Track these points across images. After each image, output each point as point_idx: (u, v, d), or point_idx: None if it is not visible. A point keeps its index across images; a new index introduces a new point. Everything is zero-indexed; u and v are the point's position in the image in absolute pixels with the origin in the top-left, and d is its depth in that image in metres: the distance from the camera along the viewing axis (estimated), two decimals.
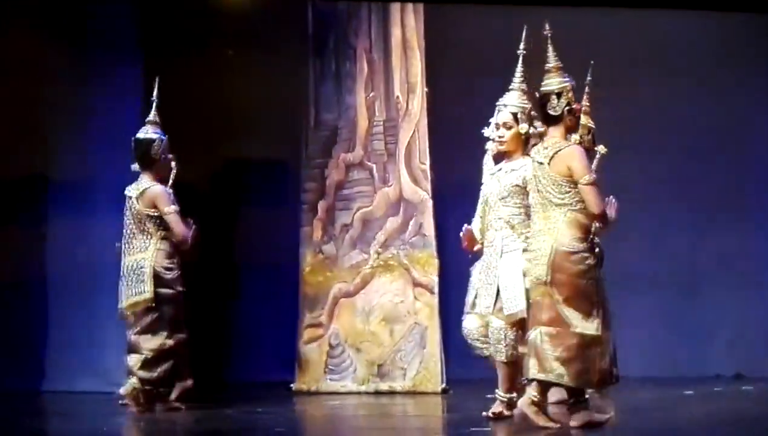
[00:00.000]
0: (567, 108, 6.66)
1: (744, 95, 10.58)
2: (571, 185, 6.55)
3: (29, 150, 9.98)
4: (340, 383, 9.66)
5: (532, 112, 7.09)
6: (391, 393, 9.46)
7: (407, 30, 9.77)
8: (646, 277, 10.33)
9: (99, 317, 9.29)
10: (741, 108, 10.58)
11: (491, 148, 7.30)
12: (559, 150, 6.59)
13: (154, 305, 8.10)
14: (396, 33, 9.80)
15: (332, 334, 9.75)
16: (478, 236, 7.25)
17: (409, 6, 9.77)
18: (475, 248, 7.28)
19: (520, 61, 7.21)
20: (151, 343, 8.11)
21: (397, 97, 9.78)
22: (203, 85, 9.68)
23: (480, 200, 7.31)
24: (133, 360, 8.10)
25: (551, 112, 6.68)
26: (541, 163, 6.63)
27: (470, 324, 7.16)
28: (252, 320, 10.39)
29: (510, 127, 7.10)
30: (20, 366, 9.78)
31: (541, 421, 6.56)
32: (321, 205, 9.90)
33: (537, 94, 6.80)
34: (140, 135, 8.33)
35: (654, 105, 10.45)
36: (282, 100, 10.16)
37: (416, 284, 9.55)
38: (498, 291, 6.98)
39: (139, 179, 8.29)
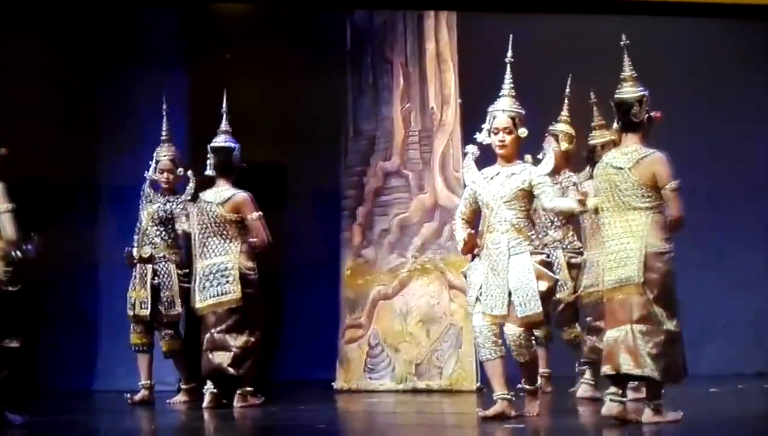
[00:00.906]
0: (647, 116, 6.89)
1: (743, 101, 10.61)
2: (652, 190, 6.79)
3: (80, 156, 10.27)
4: (379, 382, 9.79)
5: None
6: (428, 391, 9.54)
7: (441, 44, 9.89)
8: None
9: None
10: (740, 113, 10.64)
11: (473, 151, 7.29)
12: (645, 156, 6.80)
13: (241, 304, 8.43)
14: (430, 47, 9.91)
15: (371, 334, 9.90)
16: (463, 236, 7.21)
17: (443, 20, 9.88)
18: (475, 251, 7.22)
19: (509, 68, 7.24)
20: (239, 341, 8.41)
21: (432, 108, 9.90)
22: (246, 95, 9.91)
23: (466, 201, 7.28)
24: (222, 357, 8.39)
25: (634, 119, 6.87)
26: (620, 169, 6.81)
27: (478, 321, 7.07)
28: (295, 321, 10.55)
29: (510, 132, 7.13)
30: (70, 367, 10.05)
31: (631, 416, 6.79)
32: (360, 212, 10.10)
33: (613, 102, 6.96)
34: (219, 144, 8.64)
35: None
36: (322, 111, 10.32)
37: (451, 287, 9.60)
38: (509, 293, 6.99)
39: (217, 186, 8.60)
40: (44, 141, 9.77)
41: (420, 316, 9.81)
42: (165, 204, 8.99)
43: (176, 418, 8.38)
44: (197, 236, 8.58)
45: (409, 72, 10.05)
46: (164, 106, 8.84)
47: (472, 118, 9.64)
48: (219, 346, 8.42)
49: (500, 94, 7.26)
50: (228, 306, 8.42)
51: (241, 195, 8.55)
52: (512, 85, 7.23)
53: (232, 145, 8.67)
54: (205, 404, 8.39)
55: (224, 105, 8.76)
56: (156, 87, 9.82)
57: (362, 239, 10.11)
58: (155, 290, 8.87)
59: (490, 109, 7.24)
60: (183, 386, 9.02)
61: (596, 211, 7.01)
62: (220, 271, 8.45)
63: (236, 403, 8.42)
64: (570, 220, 8.76)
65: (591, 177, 7.81)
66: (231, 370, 8.40)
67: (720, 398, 8.71)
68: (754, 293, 10.65)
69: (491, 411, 7.13)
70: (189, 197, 8.91)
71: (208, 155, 8.64)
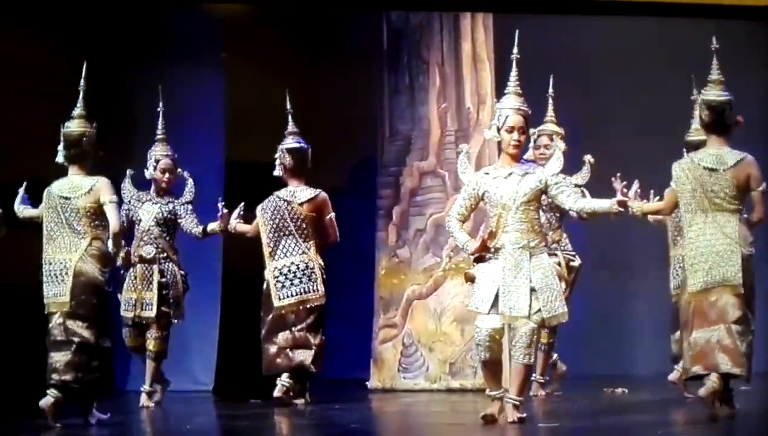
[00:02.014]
0: (734, 119, 6.98)
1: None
2: (741, 192, 6.89)
3: (119, 155, 10.34)
4: (413, 381, 9.83)
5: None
6: (462, 391, 9.61)
7: (477, 44, 9.96)
8: None
9: (190, 320, 9.30)
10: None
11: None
12: (742, 158, 6.91)
13: (322, 303, 8.66)
14: (466, 47, 9.97)
15: (406, 334, 9.94)
16: (466, 238, 7.00)
17: (479, 21, 9.94)
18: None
19: (514, 65, 7.06)
20: (317, 339, 8.63)
21: (468, 108, 9.97)
22: (282, 95, 9.98)
23: (467, 202, 7.01)
24: (304, 355, 8.59)
25: (726, 121, 6.96)
26: (714, 170, 6.89)
27: (492, 323, 6.82)
28: (330, 320, 10.58)
29: (523, 132, 6.94)
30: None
31: (723, 411, 6.88)
32: (396, 211, 10.14)
33: (704, 104, 6.99)
34: (294, 145, 8.77)
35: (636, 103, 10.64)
36: (359, 111, 10.41)
37: None
38: (531, 292, 6.77)
39: (291, 185, 8.72)
40: None
41: (454, 316, 9.85)
42: (167, 205, 8.88)
43: (212, 416, 8.43)
44: (269, 236, 8.65)
45: (446, 72, 10.09)
46: (160, 105, 8.79)
47: None
48: (301, 344, 8.61)
49: (507, 91, 7.05)
50: (310, 305, 8.61)
51: (323, 195, 8.75)
52: (518, 83, 7.02)
53: (305, 146, 8.80)
54: (277, 393, 8.49)
55: (288, 106, 8.87)
56: (192, 85, 9.96)
57: (397, 239, 10.16)
58: (160, 291, 8.74)
59: (500, 106, 7.02)
60: (149, 389, 8.74)
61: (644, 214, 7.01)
62: (301, 270, 8.60)
63: (303, 398, 8.64)
64: (562, 221, 8.81)
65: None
66: (312, 368, 8.62)
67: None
68: None
69: (494, 411, 7.00)
70: (190, 198, 8.89)
71: (278, 155, 8.74)
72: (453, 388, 9.70)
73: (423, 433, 7.47)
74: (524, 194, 6.89)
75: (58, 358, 7.10)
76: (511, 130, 6.89)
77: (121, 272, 8.67)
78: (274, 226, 8.65)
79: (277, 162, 8.76)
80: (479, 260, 6.96)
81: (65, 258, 7.20)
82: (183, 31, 10.20)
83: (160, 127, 8.94)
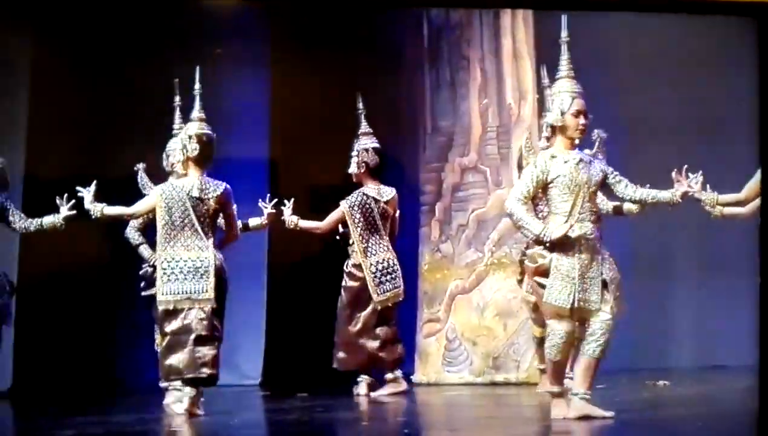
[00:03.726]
0: None
1: (724, 96, 10.48)
2: None
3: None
4: (458, 375, 9.89)
5: None
6: (506, 384, 9.65)
7: (517, 40, 10.00)
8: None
9: (236, 315, 9.18)
10: (722, 108, 10.52)
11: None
12: None
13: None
14: (507, 43, 10.02)
15: (449, 328, 10.00)
16: (539, 223, 6.68)
17: (519, 17, 9.97)
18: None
19: (565, 48, 6.89)
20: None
21: (509, 104, 10.01)
22: (325, 93, 10.04)
23: (533, 185, 6.68)
24: (402, 349, 9.02)
25: None
26: None
27: (569, 326, 6.61)
28: None
29: (587, 116, 6.75)
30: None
31: None
32: (438, 207, 10.20)
33: None
34: (374, 145, 8.99)
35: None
36: (401, 108, 10.45)
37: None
38: (604, 284, 6.61)
39: (373, 184, 8.97)
40: (132, 135, 9.90)
41: (497, 310, 9.92)
42: None
43: (254, 410, 8.48)
44: (360, 233, 8.90)
45: (486, 68, 10.13)
46: (176, 99, 8.83)
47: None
48: (398, 338, 9.02)
49: (560, 75, 6.87)
50: (397, 300, 8.97)
51: (396, 193, 9.03)
52: (571, 66, 6.87)
53: (379, 145, 9.05)
54: (363, 391, 8.87)
55: (360, 105, 9.07)
56: (238, 82, 10.04)
57: (440, 234, 10.21)
58: None
59: (560, 89, 6.80)
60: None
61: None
62: (392, 266, 8.94)
63: (383, 390, 8.93)
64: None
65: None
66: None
67: None
68: None
69: (579, 412, 6.76)
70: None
71: (358, 154, 8.95)
72: (497, 381, 9.74)
73: (468, 427, 7.47)
74: (595, 182, 6.73)
75: (206, 352, 7.44)
76: (577, 114, 6.71)
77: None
78: (365, 223, 8.92)
79: (357, 160, 8.98)
80: (551, 249, 6.62)
81: (200, 256, 7.47)
82: (229, 29, 10.24)
83: (176, 121, 8.73)
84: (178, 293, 7.45)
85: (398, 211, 9.10)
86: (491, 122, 10.10)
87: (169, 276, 7.45)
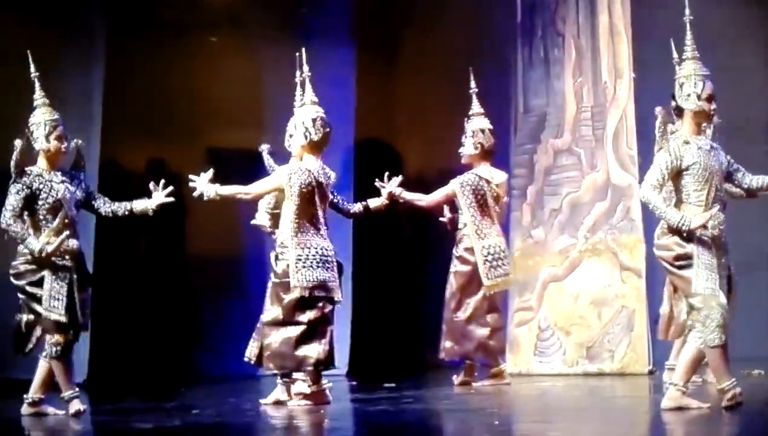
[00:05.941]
0: None
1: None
2: None
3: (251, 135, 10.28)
4: (550, 365, 9.74)
5: None
6: (600, 375, 9.48)
7: (614, 16, 9.77)
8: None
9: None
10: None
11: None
12: None
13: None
14: (603, 19, 9.79)
15: (542, 317, 9.85)
16: (677, 211, 6.36)
17: None
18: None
19: (689, 27, 6.52)
20: None
21: (605, 82, 9.79)
22: (416, 73, 9.90)
23: (667, 172, 6.40)
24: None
25: None
26: None
27: (725, 304, 6.32)
28: None
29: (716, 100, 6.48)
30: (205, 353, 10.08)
31: None
32: (530, 191, 10.02)
33: None
34: (489, 125, 8.76)
35: None
36: (490, 86, 10.25)
37: (624, 268, 9.53)
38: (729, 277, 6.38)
39: (484, 166, 8.68)
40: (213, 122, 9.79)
41: (591, 298, 9.74)
42: None
43: (347, 400, 8.33)
44: (473, 215, 8.59)
45: (582, 45, 9.94)
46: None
47: (646, 93, 9.49)
48: (504, 326, 8.98)
49: (686, 56, 6.51)
50: (507, 287, 8.89)
51: (507, 177, 8.88)
52: (695, 46, 6.52)
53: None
54: (462, 378, 8.71)
55: (473, 84, 8.79)
56: (323, 64, 9.80)
57: (532, 219, 10.03)
58: None
59: (692, 72, 6.45)
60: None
61: None
62: (501, 251, 8.60)
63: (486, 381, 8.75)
64: None
65: None
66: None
67: None
68: None
69: (675, 403, 6.47)
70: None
71: (474, 134, 8.68)
72: (590, 372, 9.58)
73: (561, 417, 7.19)
74: (725, 169, 6.52)
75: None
76: (709, 99, 6.43)
77: None
78: (479, 205, 8.61)
79: (472, 141, 8.68)
80: (689, 239, 6.34)
81: (329, 245, 7.37)
82: (320, 19, 10.19)
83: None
84: (308, 280, 7.21)
85: (507, 197, 8.84)
86: (586, 102, 9.92)
87: (304, 263, 7.21)
